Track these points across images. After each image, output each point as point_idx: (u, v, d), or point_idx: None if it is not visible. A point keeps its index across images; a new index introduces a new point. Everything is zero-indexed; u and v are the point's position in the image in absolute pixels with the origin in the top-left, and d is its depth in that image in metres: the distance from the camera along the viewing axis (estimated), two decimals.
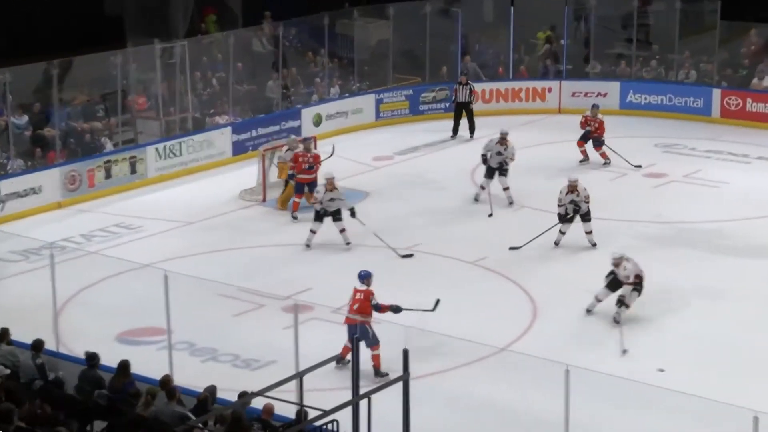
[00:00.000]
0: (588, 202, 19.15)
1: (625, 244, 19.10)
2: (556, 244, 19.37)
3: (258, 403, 12.41)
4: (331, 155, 21.33)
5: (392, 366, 13.62)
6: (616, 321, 16.42)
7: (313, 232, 19.52)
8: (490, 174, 21.40)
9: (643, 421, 13.51)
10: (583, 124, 23.84)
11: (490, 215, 20.88)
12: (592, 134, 23.74)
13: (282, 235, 20.57)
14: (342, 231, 19.49)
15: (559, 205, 19.25)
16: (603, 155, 23.80)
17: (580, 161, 23.83)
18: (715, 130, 26.09)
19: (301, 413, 12.21)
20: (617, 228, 20.13)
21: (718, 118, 26.76)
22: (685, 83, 27.64)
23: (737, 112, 26.58)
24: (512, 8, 28.44)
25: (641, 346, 15.87)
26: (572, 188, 19.10)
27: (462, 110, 26.16)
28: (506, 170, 21.37)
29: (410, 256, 19.17)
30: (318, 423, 12.06)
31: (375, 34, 28.94)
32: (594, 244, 19.27)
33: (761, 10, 28.80)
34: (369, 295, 14.97)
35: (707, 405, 12.41)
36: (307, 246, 19.57)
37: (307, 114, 26.21)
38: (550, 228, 19.07)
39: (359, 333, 14.37)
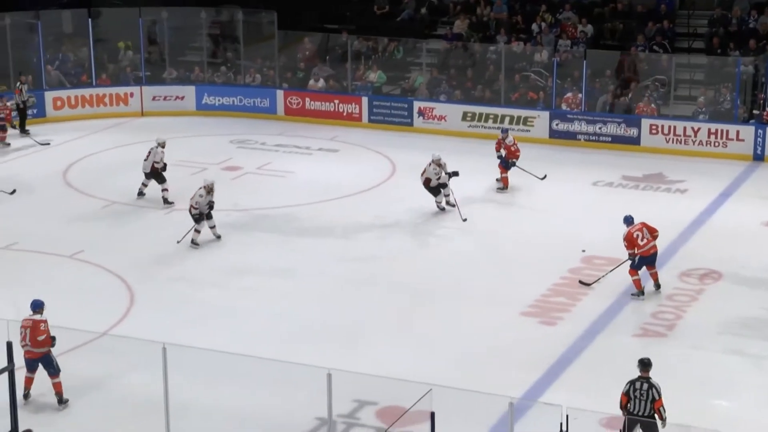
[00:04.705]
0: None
1: (208, 232, 19.38)
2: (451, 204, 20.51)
3: None
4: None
5: None
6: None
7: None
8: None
9: (234, 387, 13.74)
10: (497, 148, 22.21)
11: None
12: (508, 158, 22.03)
13: None
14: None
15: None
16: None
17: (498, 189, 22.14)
18: (281, 127, 26.81)
19: None
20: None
21: (283, 115, 27.50)
22: (252, 86, 28.23)
23: (298, 110, 27.46)
24: (90, 20, 27.88)
25: (230, 327, 16.06)
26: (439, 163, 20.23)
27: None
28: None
29: None
30: None
31: None
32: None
33: (312, 20, 30.00)
34: (40, 324, 13.47)
35: (288, 368, 12.96)
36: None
37: None
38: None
39: (45, 363, 13.43)
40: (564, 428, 10.66)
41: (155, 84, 28.18)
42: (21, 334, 13.36)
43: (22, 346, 13.35)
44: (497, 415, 12.31)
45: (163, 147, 21.27)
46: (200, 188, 19.10)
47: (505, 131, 22.51)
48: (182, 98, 27.91)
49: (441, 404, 10.69)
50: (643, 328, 16.06)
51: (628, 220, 17.10)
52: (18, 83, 25.99)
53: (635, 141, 24.86)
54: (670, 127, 24.68)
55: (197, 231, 19.07)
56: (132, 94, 27.77)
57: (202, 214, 19.10)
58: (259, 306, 16.78)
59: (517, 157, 21.92)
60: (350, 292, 17.35)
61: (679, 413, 12.82)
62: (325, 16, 30.38)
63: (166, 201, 21.15)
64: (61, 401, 13.56)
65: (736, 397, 14.09)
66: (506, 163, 22.03)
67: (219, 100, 28.03)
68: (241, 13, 28.56)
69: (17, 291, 16.89)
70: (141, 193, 21.45)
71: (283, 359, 13.35)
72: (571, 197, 21.78)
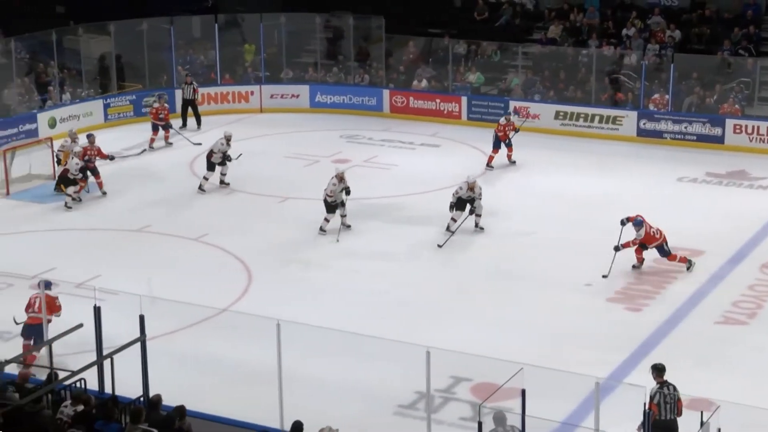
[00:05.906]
0: (480, 198, 18.77)
1: (318, 219, 19.46)
2: (450, 230, 18.67)
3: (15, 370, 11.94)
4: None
5: (130, 330, 13.24)
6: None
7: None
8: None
9: (341, 361, 13.79)
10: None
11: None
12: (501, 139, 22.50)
13: (28, 225, 19.75)
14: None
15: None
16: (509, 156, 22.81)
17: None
18: (387, 123, 26.74)
19: (52, 375, 11.84)
20: (311, 206, 20.39)
21: (388, 113, 27.46)
22: (360, 85, 28.27)
23: (403, 108, 27.40)
24: (216, 25, 28.28)
25: (336, 305, 16.11)
26: (470, 187, 18.71)
27: (188, 106, 26.20)
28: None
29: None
30: (68, 382, 11.76)
31: (98, 47, 28.07)
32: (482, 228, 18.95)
33: (417, 24, 29.91)
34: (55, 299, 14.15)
35: (390, 345, 12.94)
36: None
37: (43, 118, 25.10)
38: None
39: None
40: (647, 408, 10.44)
41: (273, 83, 28.41)
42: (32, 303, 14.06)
43: (29, 313, 14.04)
44: (584, 394, 12.16)
45: (226, 139, 21.14)
46: (332, 177, 18.93)
47: (508, 112, 22.67)
48: (297, 96, 28.08)
49: (531, 382, 10.54)
50: (725, 315, 15.66)
51: (640, 222, 17.01)
52: (184, 84, 26.33)
53: (719, 140, 24.20)
54: (753, 126, 23.98)
55: (326, 220, 18.92)
56: (252, 93, 28.06)
57: (337, 203, 18.94)
58: (362, 286, 16.81)
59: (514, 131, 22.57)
60: (445, 275, 17.30)
61: (758, 398, 12.47)
62: (429, 21, 30.23)
63: (200, 188, 21.23)
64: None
65: None
66: (503, 143, 22.48)
67: (330, 99, 28.13)
68: (352, 18, 28.62)
69: (149, 270, 17.27)
70: (222, 183, 21.46)
71: (383, 336, 13.34)
72: (657, 191, 21.31)
